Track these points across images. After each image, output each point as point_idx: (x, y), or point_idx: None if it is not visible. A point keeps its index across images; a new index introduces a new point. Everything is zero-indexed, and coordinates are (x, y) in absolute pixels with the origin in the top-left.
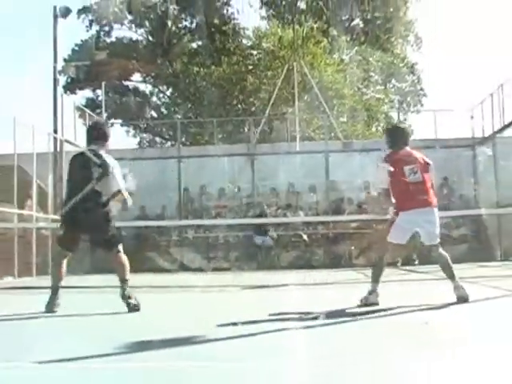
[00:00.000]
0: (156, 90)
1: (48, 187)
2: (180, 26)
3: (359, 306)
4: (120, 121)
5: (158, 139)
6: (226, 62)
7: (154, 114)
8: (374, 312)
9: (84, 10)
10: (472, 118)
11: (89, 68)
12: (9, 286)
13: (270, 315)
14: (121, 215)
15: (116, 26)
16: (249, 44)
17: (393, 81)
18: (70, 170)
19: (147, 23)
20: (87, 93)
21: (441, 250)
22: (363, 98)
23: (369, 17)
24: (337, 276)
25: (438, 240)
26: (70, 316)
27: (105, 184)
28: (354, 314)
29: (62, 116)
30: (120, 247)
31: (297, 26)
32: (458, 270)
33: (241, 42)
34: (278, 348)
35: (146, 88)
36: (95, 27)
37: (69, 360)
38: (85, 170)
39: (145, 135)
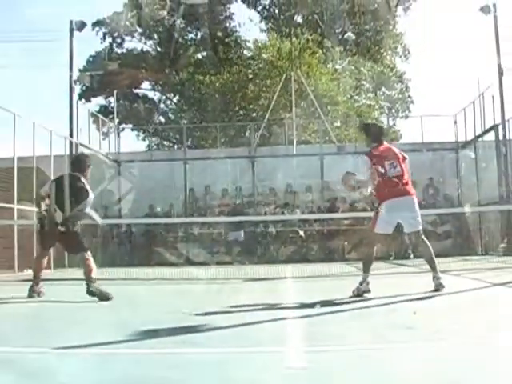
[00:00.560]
0: (164, 97)
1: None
2: (186, 38)
3: (352, 297)
4: (130, 126)
5: (165, 143)
6: (229, 71)
7: (162, 120)
8: (365, 301)
9: (98, 24)
10: (455, 123)
11: (102, 77)
12: (28, 278)
13: (270, 304)
14: (132, 213)
15: (127, 38)
16: (249, 55)
17: (383, 89)
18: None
19: (156, 35)
20: (100, 100)
21: (423, 237)
22: (355, 105)
23: (360, 30)
24: (331, 269)
25: (420, 227)
26: (83, 304)
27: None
28: (347, 304)
29: (77, 121)
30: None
31: (294, 38)
32: (443, 263)
33: (242, 53)
34: (276, 335)
35: (155, 95)
36: (108, 39)
37: (84, 346)
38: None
39: (153, 139)
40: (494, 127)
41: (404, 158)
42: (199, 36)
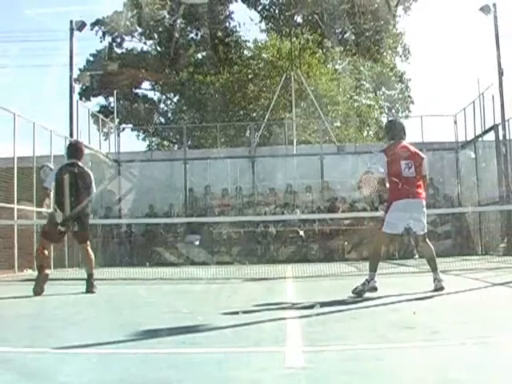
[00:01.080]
0: (164, 97)
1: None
2: (186, 38)
3: (356, 295)
4: (130, 125)
5: (165, 143)
6: (229, 71)
7: (162, 120)
8: (365, 301)
9: (98, 24)
10: (455, 123)
11: (102, 77)
12: (29, 277)
13: (270, 304)
14: (132, 213)
15: (127, 38)
16: (249, 55)
17: (382, 89)
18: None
19: (156, 35)
20: (100, 100)
21: (427, 239)
22: (355, 105)
23: (360, 30)
24: (331, 269)
25: (426, 230)
26: (83, 304)
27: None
28: (346, 304)
29: (77, 121)
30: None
31: (294, 39)
32: (444, 263)
33: (242, 53)
34: (276, 335)
35: (155, 95)
36: (108, 39)
37: (84, 346)
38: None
39: (153, 139)
40: (494, 127)
41: (421, 159)
42: (199, 36)
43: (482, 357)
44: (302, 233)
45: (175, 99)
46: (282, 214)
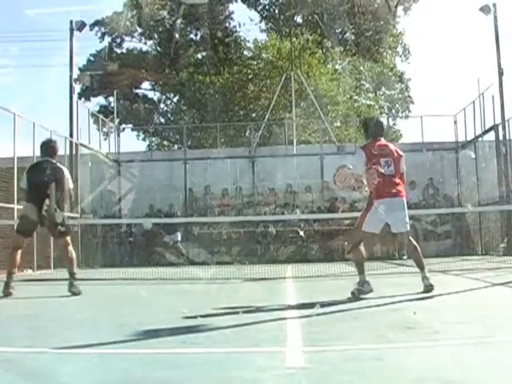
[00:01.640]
0: (164, 97)
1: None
2: (186, 38)
3: (353, 298)
4: (131, 125)
5: (165, 143)
6: (229, 71)
7: (162, 120)
8: (365, 301)
9: (98, 24)
10: (455, 123)
11: (102, 77)
12: (29, 277)
13: (270, 304)
14: (132, 213)
15: (127, 38)
16: (249, 55)
17: (382, 89)
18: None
19: (156, 35)
20: (100, 100)
21: (411, 238)
22: (355, 105)
23: (360, 29)
24: (331, 269)
25: (408, 228)
26: (83, 305)
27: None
28: (347, 304)
29: (77, 121)
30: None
31: (294, 39)
32: (444, 263)
33: (242, 53)
34: (276, 335)
35: (155, 95)
36: (108, 39)
37: (84, 346)
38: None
39: (153, 139)
40: (494, 127)
41: (400, 156)
42: (199, 36)
43: (482, 357)
44: (302, 233)
45: (175, 99)
46: (282, 214)
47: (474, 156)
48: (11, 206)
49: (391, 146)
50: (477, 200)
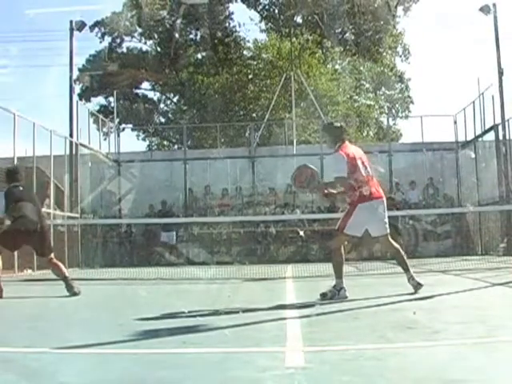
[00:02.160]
0: (164, 97)
1: (64, 187)
2: (186, 38)
3: (321, 299)
4: (130, 126)
5: (165, 143)
6: (228, 71)
7: (162, 120)
8: (365, 301)
9: (98, 24)
10: (455, 123)
11: (102, 77)
12: (29, 277)
13: (270, 304)
14: (132, 213)
15: (127, 38)
16: (249, 55)
17: (382, 89)
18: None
19: (156, 35)
20: (100, 100)
21: (391, 240)
22: (355, 105)
23: (360, 30)
24: (331, 269)
25: (387, 231)
26: (83, 304)
27: None
28: (346, 303)
29: (77, 121)
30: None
31: (294, 39)
32: (444, 263)
33: (242, 53)
34: (276, 335)
35: (155, 95)
36: (107, 39)
37: (84, 346)
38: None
39: (153, 139)
40: (494, 127)
41: (367, 158)
42: (199, 36)
43: (482, 357)
44: (302, 233)
45: (175, 99)
46: (282, 214)
47: (473, 156)
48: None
49: (358, 147)
50: (477, 200)
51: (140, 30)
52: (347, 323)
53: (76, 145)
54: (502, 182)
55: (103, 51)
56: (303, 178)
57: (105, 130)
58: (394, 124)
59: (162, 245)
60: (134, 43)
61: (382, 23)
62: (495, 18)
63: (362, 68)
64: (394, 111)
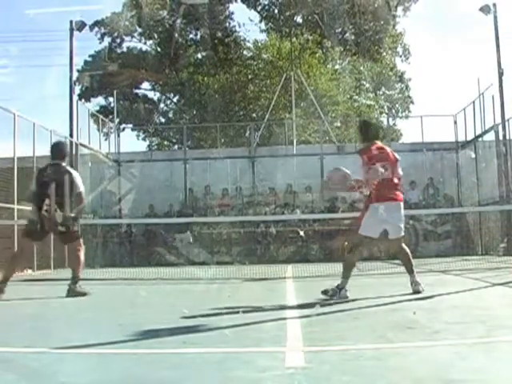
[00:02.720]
0: (164, 97)
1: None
2: (186, 38)
3: (324, 299)
4: (131, 126)
5: (165, 143)
6: (228, 71)
7: (162, 120)
8: (365, 301)
9: (98, 24)
10: (455, 123)
11: (102, 77)
12: (29, 278)
13: (270, 304)
14: (132, 213)
15: (127, 38)
16: (249, 55)
17: (382, 89)
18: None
19: (156, 35)
20: (100, 100)
21: (403, 243)
22: (355, 105)
23: (360, 30)
24: (331, 269)
25: (402, 234)
26: (83, 304)
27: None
28: (346, 303)
29: (77, 121)
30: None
31: (294, 39)
32: (444, 263)
33: (242, 53)
34: (276, 335)
35: (155, 95)
36: (107, 39)
37: (84, 346)
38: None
39: (153, 139)
40: (494, 127)
41: (397, 160)
42: (199, 36)
43: (482, 357)
44: (302, 233)
45: (175, 99)
46: (282, 214)
47: (473, 156)
48: (11, 206)
49: (388, 149)
50: (477, 200)
51: (140, 29)
52: (347, 323)
53: (76, 145)
54: (502, 181)
55: (103, 51)
56: (336, 180)
57: (105, 130)
58: (394, 124)
59: (175, 248)
60: (133, 43)
61: (382, 23)
62: (495, 17)
63: (362, 68)
64: (394, 111)
